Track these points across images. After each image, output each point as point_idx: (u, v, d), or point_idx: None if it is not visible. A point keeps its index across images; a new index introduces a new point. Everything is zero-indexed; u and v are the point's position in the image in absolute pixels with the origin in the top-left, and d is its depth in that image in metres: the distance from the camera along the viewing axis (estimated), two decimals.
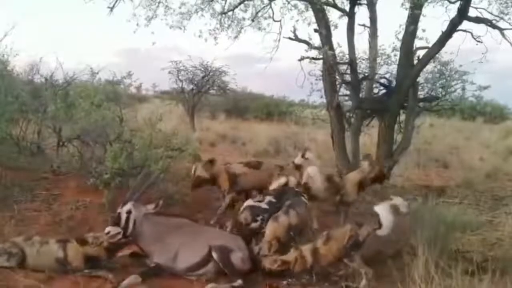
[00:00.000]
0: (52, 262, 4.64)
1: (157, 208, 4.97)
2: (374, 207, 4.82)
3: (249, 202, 5.72)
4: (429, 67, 9.33)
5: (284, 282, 4.73)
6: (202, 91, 20.47)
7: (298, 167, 7.26)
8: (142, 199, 5.11)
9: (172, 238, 4.89)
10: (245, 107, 25.77)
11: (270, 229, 5.17)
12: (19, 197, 6.76)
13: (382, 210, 4.72)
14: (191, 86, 20.29)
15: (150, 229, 4.90)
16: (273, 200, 5.68)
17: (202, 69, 19.85)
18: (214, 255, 4.70)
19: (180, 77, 20.01)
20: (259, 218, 5.43)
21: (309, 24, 8.50)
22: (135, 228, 4.83)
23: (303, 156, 7.23)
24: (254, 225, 5.41)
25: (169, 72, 19.81)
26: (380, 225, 4.66)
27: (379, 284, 4.59)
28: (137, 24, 8.60)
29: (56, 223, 6.10)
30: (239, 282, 4.53)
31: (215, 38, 8.78)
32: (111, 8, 9.06)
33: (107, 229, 4.75)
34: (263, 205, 5.58)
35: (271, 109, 26.30)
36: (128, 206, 4.87)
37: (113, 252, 4.88)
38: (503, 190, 10.12)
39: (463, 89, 9.78)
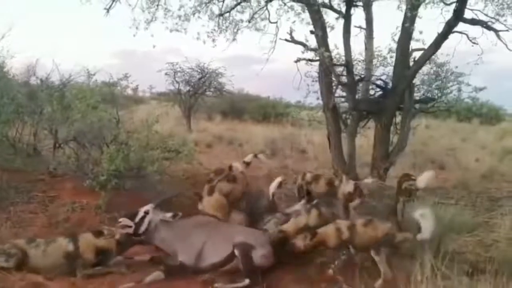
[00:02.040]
0: (61, 258, 4.68)
1: (175, 218, 5.05)
2: (416, 212, 4.81)
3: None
4: (425, 68, 9.36)
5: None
6: (198, 93, 20.52)
7: (248, 164, 7.26)
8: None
9: (195, 236, 4.96)
10: (242, 108, 25.77)
11: (286, 226, 5.30)
12: (15, 199, 6.74)
13: (422, 215, 4.71)
14: (188, 88, 20.36)
15: (170, 232, 4.98)
16: None
17: (199, 70, 19.91)
18: (236, 252, 4.74)
19: (176, 79, 20.08)
20: None
21: (308, 23, 8.52)
22: (149, 229, 4.93)
23: (255, 156, 7.27)
24: None
25: (166, 74, 19.87)
26: (419, 230, 4.67)
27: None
28: (137, 28, 8.58)
29: (52, 224, 6.09)
30: (246, 282, 4.55)
31: (214, 40, 8.77)
32: (108, 10, 9.03)
33: (121, 219, 4.92)
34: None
35: (267, 111, 26.32)
36: (147, 207, 5.02)
37: (123, 247, 4.99)
38: (499, 191, 10.13)
39: (459, 90, 9.81)
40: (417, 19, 8.00)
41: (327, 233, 4.85)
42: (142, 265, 5.07)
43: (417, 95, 9.65)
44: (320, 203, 5.68)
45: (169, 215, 5.04)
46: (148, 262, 5.11)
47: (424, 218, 4.64)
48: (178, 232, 4.98)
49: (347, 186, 6.58)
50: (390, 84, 8.88)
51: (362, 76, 9.18)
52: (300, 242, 4.84)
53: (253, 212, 5.86)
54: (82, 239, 4.83)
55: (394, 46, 8.64)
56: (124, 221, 4.90)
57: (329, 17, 8.57)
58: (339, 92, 9.29)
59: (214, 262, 4.79)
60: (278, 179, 6.30)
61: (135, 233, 4.90)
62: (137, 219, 4.91)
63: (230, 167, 7.38)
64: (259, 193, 6.39)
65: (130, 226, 4.88)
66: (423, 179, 6.20)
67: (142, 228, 4.91)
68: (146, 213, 4.96)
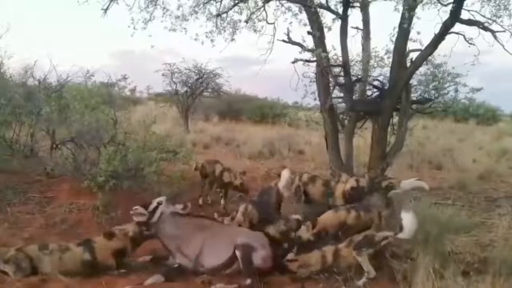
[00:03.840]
0: (78, 266, 4.68)
1: (186, 209, 5.14)
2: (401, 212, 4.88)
3: None
4: (422, 69, 9.35)
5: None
6: (196, 93, 20.50)
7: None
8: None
9: (196, 239, 4.99)
10: (239, 109, 25.78)
11: (324, 216, 5.52)
12: (12, 200, 6.74)
13: (406, 215, 4.78)
14: (185, 88, 20.30)
15: (174, 229, 5.03)
16: None
17: (196, 71, 19.87)
18: (237, 253, 4.78)
19: (174, 79, 20.04)
20: None
21: (305, 24, 8.52)
22: (160, 221, 4.99)
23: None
24: None
25: (163, 75, 19.83)
26: (401, 229, 4.75)
27: (375, 286, 4.61)
28: (134, 28, 8.56)
29: (50, 225, 6.09)
30: (247, 281, 4.57)
31: (212, 40, 8.77)
32: (105, 10, 9.01)
33: (136, 207, 4.99)
34: None
35: (265, 111, 26.33)
36: (161, 198, 5.11)
37: (137, 243, 5.06)
38: (496, 191, 10.16)
39: (456, 91, 9.81)
40: (414, 20, 8.02)
41: (311, 259, 4.97)
42: (143, 266, 5.09)
43: (414, 96, 9.66)
44: (360, 206, 5.77)
45: (179, 206, 5.12)
46: (149, 263, 5.12)
47: (407, 218, 4.70)
48: (181, 232, 5.01)
49: (348, 183, 6.66)
50: (387, 85, 8.88)
51: (359, 76, 9.18)
52: (292, 266, 4.94)
53: (263, 206, 6.02)
54: (96, 247, 4.83)
55: (391, 47, 8.64)
56: (140, 209, 4.97)
57: (326, 18, 8.59)
58: (336, 92, 9.30)
59: (215, 265, 4.82)
60: (287, 174, 6.63)
61: (148, 223, 4.96)
62: (150, 209, 4.99)
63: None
64: (269, 189, 6.57)
65: (144, 215, 4.94)
66: (409, 184, 6.33)
67: (155, 218, 4.97)
68: (160, 203, 5.03)
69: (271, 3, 8.53)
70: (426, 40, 8.09)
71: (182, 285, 4.57)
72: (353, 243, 4.88)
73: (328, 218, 5.52)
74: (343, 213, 5.56)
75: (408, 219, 4.73)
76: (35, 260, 4.57)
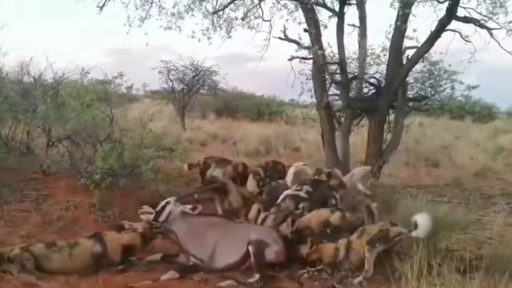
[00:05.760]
0: (87, 260, 4.67)
1: (195, 210, 5.11)
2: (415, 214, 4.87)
3: (288, 191, 6.09)
4: (418, 66, 9.39)
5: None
6: (192, 91, 20.47)
7: None
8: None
9: (209, 236, 5.01)
10: (236, 106, 25.74)
11: (307, 216, 5.49)
12: (8, 198, 6.69)
13: (420, 215, 4.78)
14: (182, 86, 20.28)
15: (186, 228, 5.03)
16: (310, 189, 6.04)
17: (193, 68, 19.84)
18: (250, 249, 4.80)
19: (170, 77, 20.03)
20: (300, 206, 5.78)
21: (299, 23, 8.54)
22: (168, 220, 5.00)
23: None
24: (296, 212, 5.73)
25: (159, 72, 19.80)
26: (416, 227, 4.72)
27: (371, 283, 4.62)
28: (130, 25, 8.56)
29: (46, 223, 6.06)
30: (256, 277, 4.60)
31: (208, 38, 8.78)
32: (101, 7, 9.01)
33: (144, 206, 5.11)
34: (302, 194, 5.97)
35: (261, 109, 26.33)
36: (169, 198, 5.16)
37: (147, 240, 5.07)
38: (492, 188, 10.19)
39: (452, 88, 9.86)
40: (411, 17, 8.04)
41: (325, 250, 4.96)
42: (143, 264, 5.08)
43: (410, 93, 9.69)
44: (346, 207, 5.76)
45: (188, 207, 5.11)
46: (160, 261, 5.12)
47: (422, 218, 4.69)
48: (193, 230, 5.03)
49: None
50: (384, 82, 8.91)
51: (356, 74, 9.20)
52: (304, 250, 4.97)
53: (272, 202, 6.07)
54: (107, 239, 4.84)
55: (387, 44, 8.68)
56: (146, 208, 5.04)
57: (323, 15, 8.61)
58: (332, 90, 9.33)
59: (230, 263, 4.85)
60: (292, 169, 6.73)
61: (155, 221, 4.99)
62: (158, 208, 5.02)
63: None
64: (276, 187, 6.69)
65: (151, 213, 4.98)
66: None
67: (162, 217, 4.98)
68: (167, 203, 5.06)
69: (267, 0, 8.55)
70: (423, 37, 8.13)
71: (178, 283, 4.57)
72: (365, 234, 4.86)
73: (311, 216, 5.49)
74: (325, 213, 5.51)
75: (422, 218, 4.72)
76: (41, 258, 4.53)
